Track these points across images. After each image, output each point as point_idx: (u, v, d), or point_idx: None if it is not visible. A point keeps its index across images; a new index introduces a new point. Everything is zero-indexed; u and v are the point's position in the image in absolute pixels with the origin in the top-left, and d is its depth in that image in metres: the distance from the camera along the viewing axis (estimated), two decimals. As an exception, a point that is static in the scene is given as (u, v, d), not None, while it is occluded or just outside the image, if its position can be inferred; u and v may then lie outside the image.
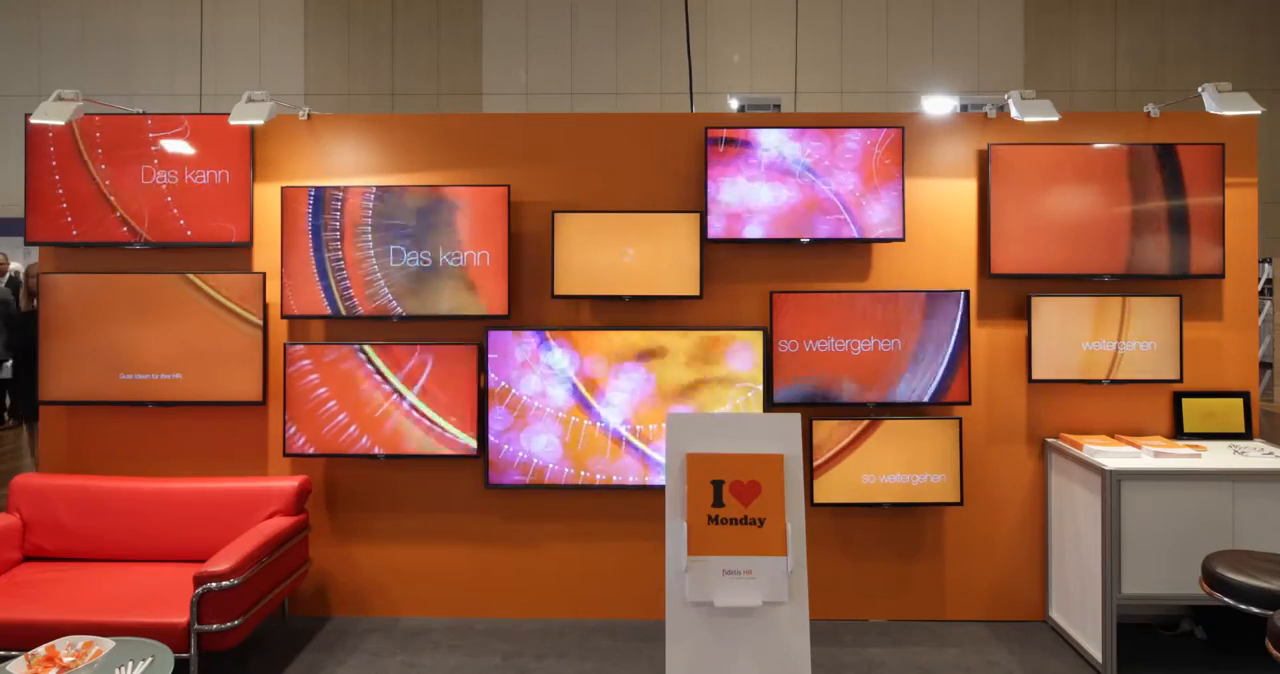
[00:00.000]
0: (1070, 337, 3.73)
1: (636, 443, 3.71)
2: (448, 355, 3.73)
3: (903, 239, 3.73)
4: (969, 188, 3.86)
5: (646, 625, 3.77)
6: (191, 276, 3.78)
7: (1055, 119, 3.68)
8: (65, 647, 2.49)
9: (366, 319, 3.80)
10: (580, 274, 3.73)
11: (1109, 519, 3.25)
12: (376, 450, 3.73)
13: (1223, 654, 3.53)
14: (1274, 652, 2.28)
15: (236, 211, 3.81)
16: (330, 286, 3.75)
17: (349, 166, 3.90)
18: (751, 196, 3.72)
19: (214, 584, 2.98)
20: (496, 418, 3.72)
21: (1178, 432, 3.80)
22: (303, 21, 10.79)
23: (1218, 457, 3.43)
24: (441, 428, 3.73)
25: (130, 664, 2.48)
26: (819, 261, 3.85)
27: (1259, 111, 3.60)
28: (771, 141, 3.73)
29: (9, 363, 8.09)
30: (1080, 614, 3.53)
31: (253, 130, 3.81)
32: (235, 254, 3.88)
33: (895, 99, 10.33)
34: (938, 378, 3.70)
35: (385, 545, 3.90)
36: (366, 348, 3.74)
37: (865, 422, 3.68)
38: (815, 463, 3.67)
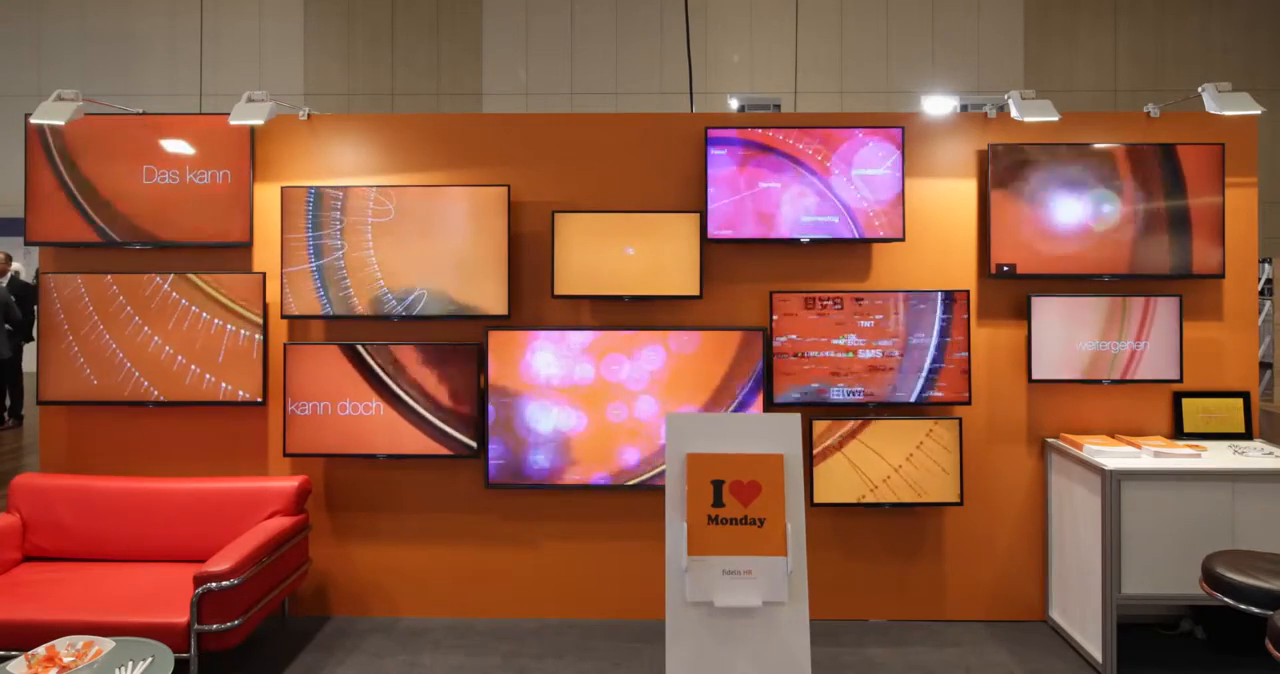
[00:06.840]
0: (1070, 336, 3.73)
1: (636, 443, 3.70)
2: (448, 355, 3.73)
3: (903, 239, 3.73)
4: (969, 188, 3.86)
5: (646, 625, 3.77)
6: (192, 277, 3.78)
7: (1055, 119, 3.68)
8: (65, 647, 2.49)
9: (366, 319, 3.79)
10: (580, 274, 3.73)
11: (1109, 519, 3.25)
12: (376, 450, 3.73)
13: (1223, 654, 3.53)
14: (1274, 652, 2.28)
15: (236, 212, 3.81)
16: (330, 287, 3.75)
17: (349, 166, 3.90)
18: (752, 196, 3.72)
19: (214, 584, 2.98)
20: (496, 418, 3.72)
21: (1178, 432, 3.79)
22: (303, 21, 10.79)
23: (1218, 457, 3.43)
24: (441, 428, 3.73)
25: (130, 664, 2.48)
26: (819, 261, 3.85)
27: (1259, 111, 3.60)
28: (771, 142, 3.73)
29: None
30: (1080, 614, 3.53)
31: (253, 130, 3.81)
32: (235, 254, 3.88)
33: (895, 99, 10.33)
34: (938, 378, 3.70)
35: (385, 545, 3.90)
36: (366, 348, 3.74)
37: (866, 422, 3.68)
38: (814, 457, 3.67)
